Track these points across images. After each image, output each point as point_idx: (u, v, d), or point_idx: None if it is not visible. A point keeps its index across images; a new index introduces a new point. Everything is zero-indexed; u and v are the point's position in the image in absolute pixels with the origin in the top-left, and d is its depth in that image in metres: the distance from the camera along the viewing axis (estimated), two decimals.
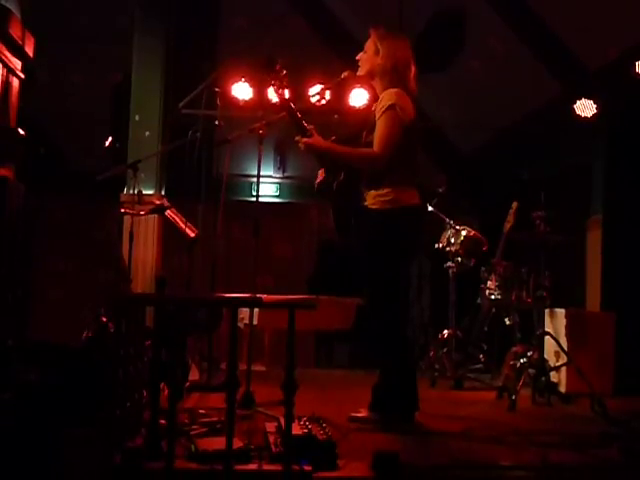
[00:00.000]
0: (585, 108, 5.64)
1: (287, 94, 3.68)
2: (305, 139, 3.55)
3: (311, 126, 3.57)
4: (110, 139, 4.71)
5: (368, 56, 3.62)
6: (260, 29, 7.19)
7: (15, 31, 2.77)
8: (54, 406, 2.50)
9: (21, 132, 2.89)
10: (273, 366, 5.69)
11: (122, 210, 4.59)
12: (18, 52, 2.83)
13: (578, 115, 5.68)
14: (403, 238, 3.51)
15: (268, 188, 8.43)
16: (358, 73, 3.68)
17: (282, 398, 2.48)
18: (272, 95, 5.93)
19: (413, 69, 3.63)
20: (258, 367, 5.26)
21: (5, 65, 2.77)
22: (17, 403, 2.35)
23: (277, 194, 8.52)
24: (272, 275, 7.74)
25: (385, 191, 3.50)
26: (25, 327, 3.28)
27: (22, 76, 2.87)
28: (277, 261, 8.22)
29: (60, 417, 2.46)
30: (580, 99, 5.65)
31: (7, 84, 2.80)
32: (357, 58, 3.66)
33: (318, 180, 3.66)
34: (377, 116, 3.51)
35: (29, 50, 2.89)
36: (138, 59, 6.20)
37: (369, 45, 3.63)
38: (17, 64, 2.86)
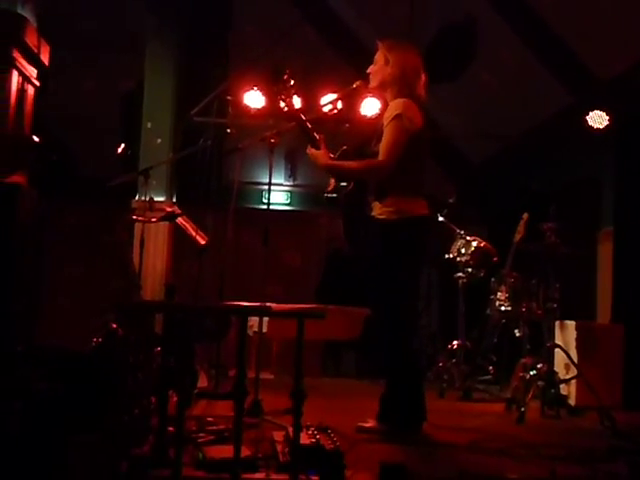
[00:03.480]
0: (598, 119, 5.63)
1: (298, 103, 3.69)
2: (310, 152, 3.57)
3: (320, 135, 3.58)
4: (122, 146, 4.74)
5: (378, 67, 3.63)
6: (271, 38, 7.22)
7: (31, 39, 2.80)
8: (62, 413, 2.50)
9: (35, 139, 2.91)
10: (281, 374, 5.69)
11: (133, 217, 4.60)
12: (33, 60, 2.85)
13: (590, 126, 5.67)
14: (411, 249, 3.50)
15: (278, 196, 8.44)
16: (370, 85, 3.69)
17: (290, 407, 2.48)
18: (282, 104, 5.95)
19: (423, 77, 3.63)
20: (266, 375, 5.26)
21: (21, 73, 2.80)
22: (27, 411, 2.36)
23: (287, 202, 8.53)
24: (281, 283, 7.74)
25: (392, 201, 3.50)
26: (34, 333, 3.30)
27: (37, 84, 2.90)
28: (286, 269, 8.22)
29: (67, 424, 2.47)
30: (592, 110, 5.64)
31: (22, 92, 2.83)
32: (368, 71, 3.67)
33: (327, 189, 3.66)
34: (384, 125, 3.52)
35: (44, 58, 2.91)
36: (150, 66, 6.25)
37: (378, 57, 3.64)
38: (32, 72, 2.88)
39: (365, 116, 6.14)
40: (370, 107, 6.12)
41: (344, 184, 3.60)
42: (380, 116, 3.85)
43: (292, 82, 3.56)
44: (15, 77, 2.74)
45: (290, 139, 6.31)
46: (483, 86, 7.05)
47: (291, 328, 2.53)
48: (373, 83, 3.67)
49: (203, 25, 7.17)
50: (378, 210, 3.55)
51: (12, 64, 2.70)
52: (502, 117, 6.87)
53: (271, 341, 5.94)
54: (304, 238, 8.45)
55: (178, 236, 5.73)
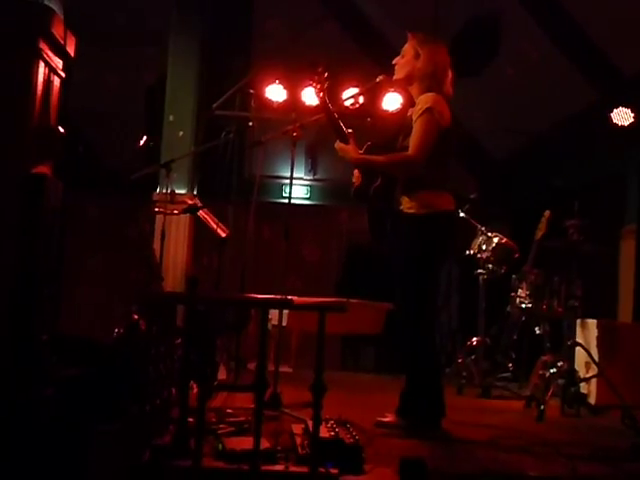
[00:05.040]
0: (622, 117, 5.56)
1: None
2: (339, 147, 3.56)
3: (350, 130, 3.57)
4: (144, 139, 4.77)
5: (406, 60, 3.60)
6: (293, 31, 7.22)
7: (57, 30, 2.81)
8: (88, 402, 2.53)
9: (61, 130, 2.94)
10: (299, 368, 5.70)
11: (156, 209, 4.64)
12: (60, 51, 2.87)
13: (615, 124, 5.61)
14: (437, 243, 3.49)
15: (298, 190, 8.44)
16: (395, 77, 3.66)
17: (309, 400, 2.49)
18: (307, 97, 5.96)
19: (450, 74, 3.61)
20: (284, 369, 5.28)
21: (47, 64, 2.81)
22: (58, 399, 2.39)
23: (307, 196, 8.53)
24: (300, 277, 7.76)
25: (421, 196, 3.49)
26: (56, 322, 3.34)
27: (63, 75, 2.92)
28: (305, 263, 8.23)
29: (92, 413, 2.50)
30: (617, 107, 5.58)
31: (49, 83, 2.84)
32: (394, 62, 3.64)
33: (355, 185, 3.65)
34: (414, 120, 3.49)
35: (70, 49, 2.93)
36: (173, 60, 6.28)
37: (407, 49, 3.61)
38: (58, 63, 2.90)
39: (387, 111, 6.12)
40: (392, 102, 6.10)
41: (370, 179, 3.58)
42: (402, 111, 3.83)
43: (326, 75, 3.56)
44: (41, 68, 2.76)
45: (310, 133, 6.32)
46: (507, 81, 7.00)
47: (311, 321, 2.53)
48: (399, 75, 3.63)
49: (226, 19, 7.19)
50: (407, 204, 3.53)
51: (39, 55, 2.71)
52: (526, 113, 6.82)
53: (290, 335, 5.95)
54: (324, 232, 8.46)
55: (199, 229, 5.76)
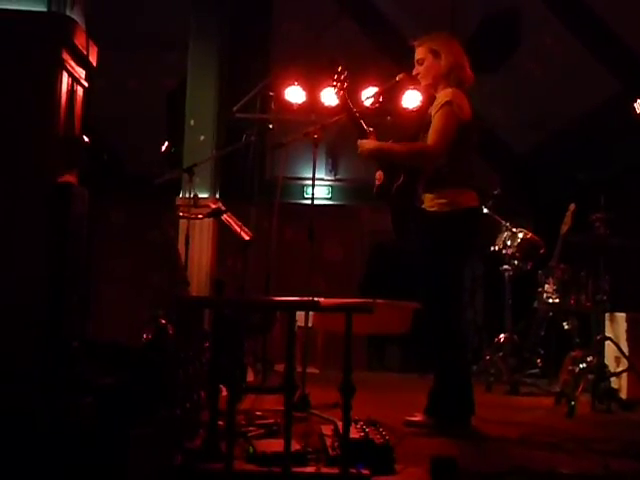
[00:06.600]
0: None
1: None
2: (360, 142, 3.56)
3: (371, 128, 3.57)
4: (166, 144, 4.81)
5: (428, 65, 3.58)
6: (311, 32, 7.22)
7: (80, 41, 2.86)
8: (125, 407, 2.56)
9: (86, 139, 2.98)
10: (326, 369, 5.70)
11: (180, 214, 4.66)
12: (82, 61, 2.92)
13: (639, 114, 5.53)
14: (461, 240, 3.48)
15: (320, 191, 8.42)
16: (423, 84, 3.65)
17: (337, 401, 2.50)
18: (326, 98, 5.96)
19: (467, 61, 3.60)
20: (311, 370, 5.27)
21: (70, 74, 2.86)
22: (96, 406, 2.42)
23: (329, 197, 8.52)
24: (323, 278, 7.75)
25: (444, 193, 3.48)
26: (85, 328, 3.38)
27: (86, 84, 2.97)
28: (328, 264, 8.22)
29: (127, 418, 2.52)
30: None
31: (72, 93, 2.89)
32: (414, 73, 3.63)
33: (377, 184, 3.65)
34: (432, 114, 3.49)
35: (92, 59, 2.98)
36: (193, 64, 6.32)
37: (424, 55, 3.59)
38: (81, 73, 2.95)
39: (407, 109, 6.10)
40: (412, 99, 6.09)
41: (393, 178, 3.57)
42: (422, 108, 3.82)
43: (346, 74, 3.57)
44: (65, 78, 2.81)
45: (331, 134, 6.32)
46: (528, 74, 6.94)
47: (336, 322, 2.53)
48: (427, 80, 3.61)
49: (244, 22, 7.22)
50: (429, 202, 3.52)
51: (62, 65, 2.76)
52: (548, 106, 6.76)
53: (316, 336, 5.95)
54: (346, 232, 8.44)
55: (222, 232, 5.79)
